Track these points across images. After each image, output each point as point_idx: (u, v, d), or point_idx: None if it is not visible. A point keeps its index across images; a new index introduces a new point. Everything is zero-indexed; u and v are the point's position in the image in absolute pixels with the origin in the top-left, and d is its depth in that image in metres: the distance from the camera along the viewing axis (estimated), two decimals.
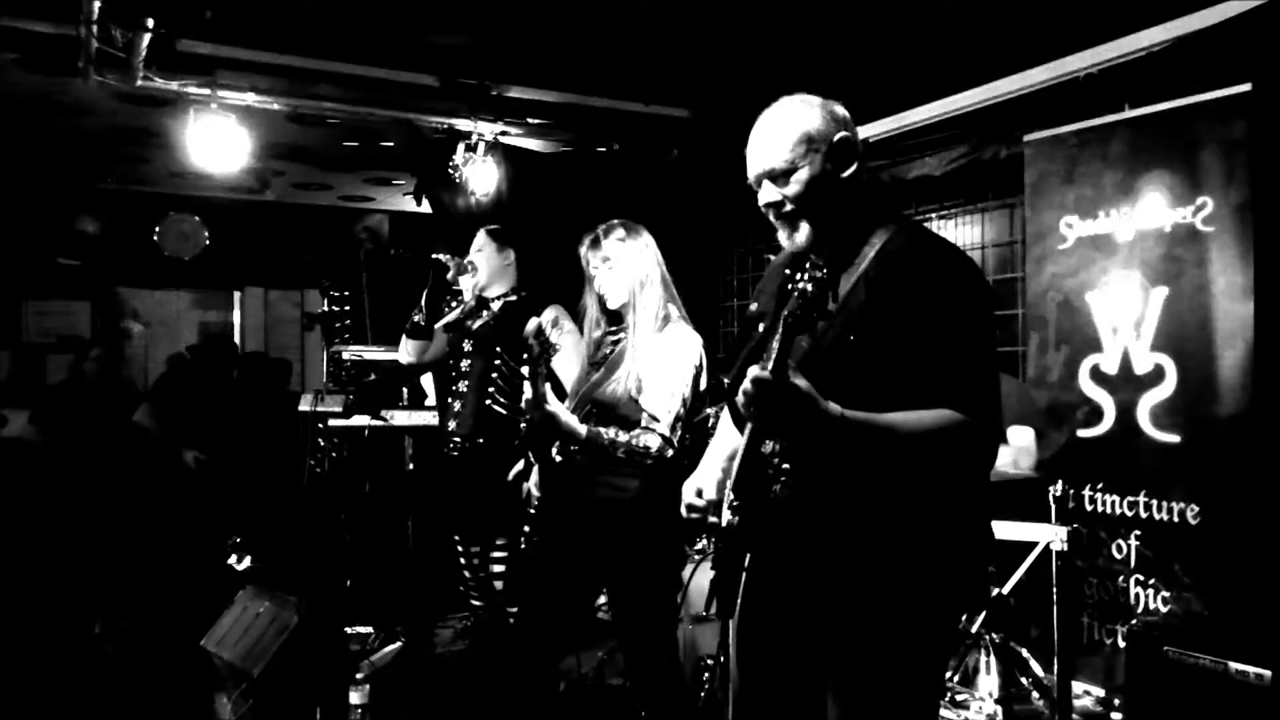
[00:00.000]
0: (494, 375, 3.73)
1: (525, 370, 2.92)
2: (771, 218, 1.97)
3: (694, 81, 4.94)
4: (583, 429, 2.86)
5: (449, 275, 3.81)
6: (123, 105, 5.36)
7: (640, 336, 2.94)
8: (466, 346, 3.81)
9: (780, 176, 1.91)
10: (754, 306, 2.15)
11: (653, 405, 2.88)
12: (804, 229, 1.92)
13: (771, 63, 4.34)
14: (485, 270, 3.82)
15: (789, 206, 1.92)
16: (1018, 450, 3.79)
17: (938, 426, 1.75)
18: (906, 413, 1.75)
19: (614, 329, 3.05)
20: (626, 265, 2.97)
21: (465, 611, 3.99)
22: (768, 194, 1.93)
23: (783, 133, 1.91)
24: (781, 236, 1.98)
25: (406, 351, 3.94)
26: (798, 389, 1.67)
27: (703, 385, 3.02)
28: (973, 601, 2.92)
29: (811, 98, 1.97)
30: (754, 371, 1.67)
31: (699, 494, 2.15)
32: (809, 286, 1.68)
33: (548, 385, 2.83)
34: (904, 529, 1.82)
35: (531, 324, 2.95)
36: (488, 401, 3.73)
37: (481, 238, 3.86)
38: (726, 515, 1.78)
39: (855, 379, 1.79)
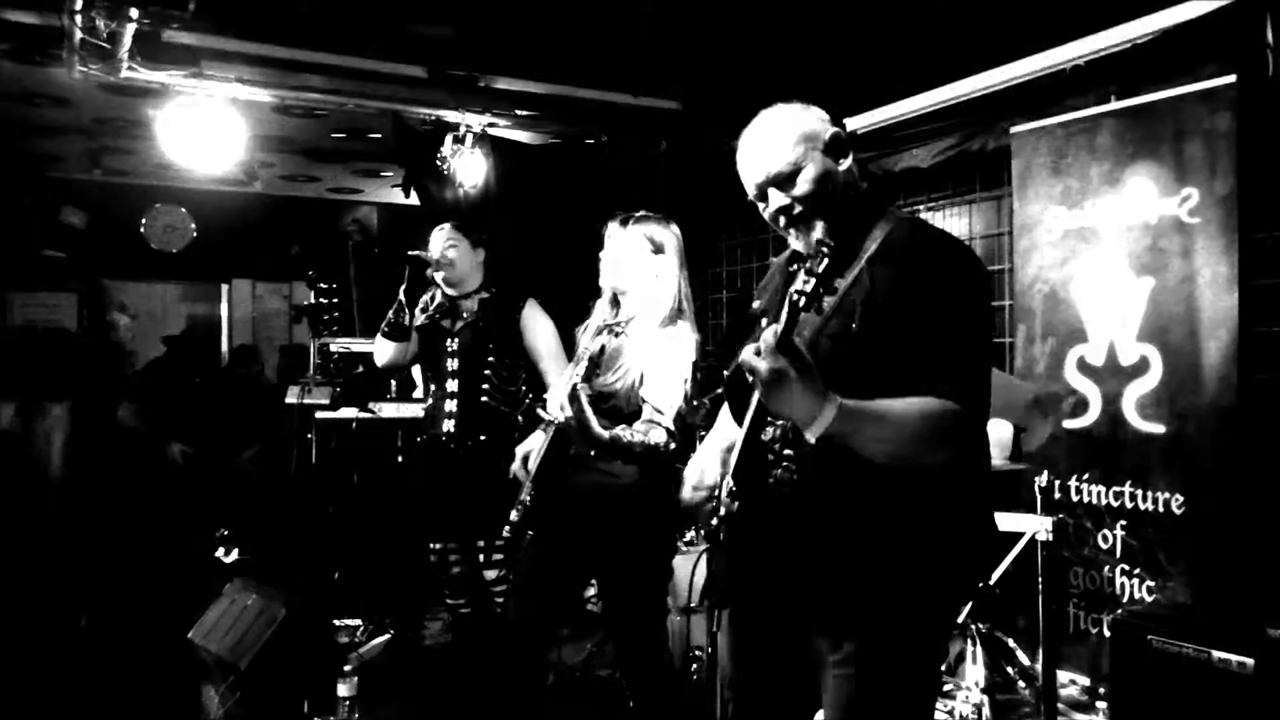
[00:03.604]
0: (487, 372, 3.71)
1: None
2: (781, 224, 1.95)
3: (684, 73, 4.94)
4: (606, 433, 2.83)
5: (427, 273, 3.75)
6: (108, 96, 5.33)
7: (645, 330, 2.95)
8: (452, 345, 3.77)
9: (785, 180, 1.90)
10: (756, 304, 2.14)
11: (658, 399, 2.88)
12: (818, 227, 1.91)
13: (761, 55, 4.34)
14: (460, 268, 3.78)
15: (799, 208, 1.91)
16: (992, 443, 3.81)
17: (927, 413, 1.74)
18: (898, 399, 1.75)
19: (616, 320, 3.03)
20: (635, 256, 2.96)
21: (454, 605, 3.98)
22: (776, 200, 1.92)
23: (781, 136, 1.91)
24: (794, 241, 1.97)
25: (383, 353, 3.86)
26: (803, 355, 1.65)
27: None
28: (974, 590, 2.94)
29: (794, 103, 1.97)
30: (766, 336, 1.65)
31: (698, 483, 2.18)
32: (819, 266, 1.66)
33: (581, 386, 2.83)
34: (905, 517, 1.82)
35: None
36: (484, 399, 3.71)
37: (454, 234, 3.78)
38: (725, 502, 1.79)
39: (856, 368, 1.79)
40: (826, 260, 1.68)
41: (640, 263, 2.97)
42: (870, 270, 1.86)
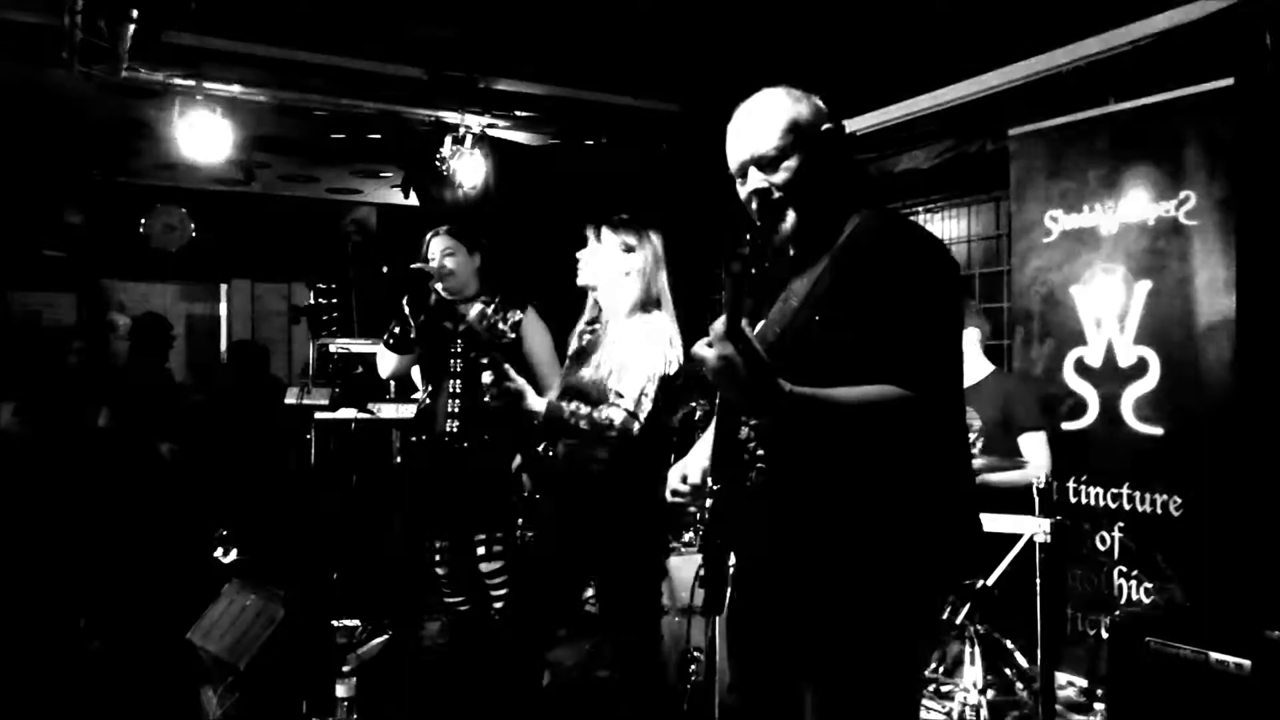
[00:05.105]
0: (489, 374, 3.72)
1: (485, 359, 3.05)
2: (754, 207, 1.92)
3: (684, 75, 4.93)
4: (542, 404, 2.96)
5: (429, 283, 3.75)
6: (109, 96, 5.32)
7: (615, 322, 3.08)
8: (454, 348, 3.78)
9: (769, 164, 1.89)
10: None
11: (618, 383, 2.98)
12: (790, 217, 1.89)
13: (761, 57, 4.33)
14: (459, 275, 3.78)
15: (776, 194, 1.89)
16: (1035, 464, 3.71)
17: (877, 400, 1.71)
18: (850, 388, 1.71)
19: (593, 319, 3.18)
20: (608, 255, 3.09)
21: (451, 604, 3.99)
22: (755, 181, 1.91)
23: (771, 120, 1.89)
24: (763, 225, 1.92)
25: (387, 364, 3.87)
26: (750, 340, 1.59)
27: (674, 370, 3.06)
28: (952, 587, 2.92)
29: (794, 90, 1.95)
30: (716, 325, 1.59)
31: (684, 479, 2.09)
32: (749, 248, 1.62)
33: (509, 368, 2.99)
34: (870, 513, 1.77)
35: (474, 310, 3.33)
36: (485, 399, 3.72)
37: (451, 242, 3.78)
38: (709, 502, 1.77)
39: (821, 359, 1.76)
40: (758, 238, 1.68)
41: (609, 260, 3.08)
42: (834, 263, 1.84)
